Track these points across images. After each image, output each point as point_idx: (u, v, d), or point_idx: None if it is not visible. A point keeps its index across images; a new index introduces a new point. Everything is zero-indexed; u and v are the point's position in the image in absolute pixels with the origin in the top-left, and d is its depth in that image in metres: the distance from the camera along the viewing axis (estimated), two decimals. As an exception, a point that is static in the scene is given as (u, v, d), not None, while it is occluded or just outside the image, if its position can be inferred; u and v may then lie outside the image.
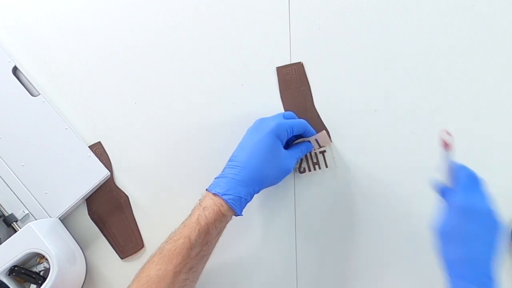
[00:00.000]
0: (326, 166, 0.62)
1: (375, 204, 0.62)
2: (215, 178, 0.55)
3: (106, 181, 0.63)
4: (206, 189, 0.54)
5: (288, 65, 0.63)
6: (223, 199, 0.52)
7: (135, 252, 0.63)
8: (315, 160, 0.62)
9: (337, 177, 0.62)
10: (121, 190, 0.64)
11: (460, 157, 0.61)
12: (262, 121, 0.57)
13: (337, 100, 0.63)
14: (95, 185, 0.62)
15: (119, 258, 0.63)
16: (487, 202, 0.49)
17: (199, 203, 0.54)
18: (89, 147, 0.63)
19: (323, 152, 0.62)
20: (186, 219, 0.53)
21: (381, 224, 0.62)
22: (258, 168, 0.54)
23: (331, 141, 0.62)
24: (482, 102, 0.62)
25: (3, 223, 0.60)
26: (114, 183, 0.64)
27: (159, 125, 0.64)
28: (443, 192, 0.52)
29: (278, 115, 0.60)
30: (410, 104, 0.63)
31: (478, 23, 0.63)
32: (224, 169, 0.55)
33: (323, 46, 0.64)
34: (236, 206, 0.53)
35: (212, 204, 0.52)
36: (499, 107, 0.62)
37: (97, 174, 0.62)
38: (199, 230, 0.51)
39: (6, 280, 0.55)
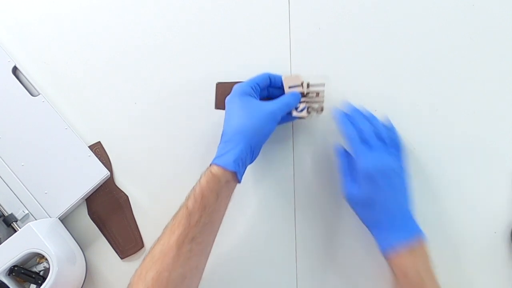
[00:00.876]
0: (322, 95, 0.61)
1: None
2: None
3: (106, 181, 0.63)
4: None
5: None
6: (213, 163, 0.53)
7: (135, 252, 0.63)
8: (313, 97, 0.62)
9: (336, 178, 0.63)
10: (121, 190, 0.64)
11: (460, 157, 0.62)
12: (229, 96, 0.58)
13: (337, 100, 0.63)
14: (95, 185, 0.62)
15: (119, 258, 0.63)
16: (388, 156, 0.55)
17: None
18: (89, 147, 0.63)
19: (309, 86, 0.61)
20: None
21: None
22: (237, 123, 0.54)
23: (299, 74, 0.61)
24: (482, 102, 0.62)
25: (3, 223, 0.60)
26: (114, 183, 0.64)
27: (159, 125, 0.64)
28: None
29: None
30: (410, 104, 0.63)
31: (478, 23, 0.63)
32: None
33: (323, 46, 0.64)
34: (227, 165, 0.52)
35: (205, 170, 0.53)
36: (499, 107, 0.62)
37: (97, 174, 0.62)
38: (194, 195, 0.52)
39: (6, 280, 0.55)
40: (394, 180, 0.54)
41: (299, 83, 0.60)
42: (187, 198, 0.52)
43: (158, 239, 0.52)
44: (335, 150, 0.59)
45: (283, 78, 0.59)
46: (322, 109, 0.61)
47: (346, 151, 0.58)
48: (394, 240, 0.53)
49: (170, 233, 0.51)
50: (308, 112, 0.60)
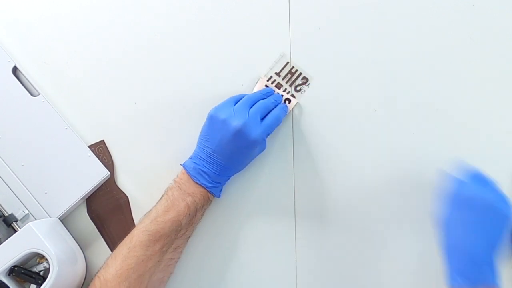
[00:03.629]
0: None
1: (374, 206, 0.62)
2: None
3: (107, 181, 0.63)
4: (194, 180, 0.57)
5: None
6: (207, 190, 0.57)
7: (135, 252, 0.63)
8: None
9: (336, 179, 0.63)
10: (122, 191, 0.64)
11: (460, 157, 0.62)
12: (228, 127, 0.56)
13: (337, 100, 0.63)
14: (94, 185, 0.61)
15: (119, 258, 0.63)
16: (491, 193, 0.49)
17: (178, 186, 0.57)
18: (92, 145, 0.63)
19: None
20: (167, 201, 0.56)
21: (381, 223, 0.62)
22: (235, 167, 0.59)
23: (259, 78, 0.62)
24: (482, 102, 0.63)
25: (3, 223, 0.60)
26: (115, 183, 0.64)
27: (160, 125, 0.64)
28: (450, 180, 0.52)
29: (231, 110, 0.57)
30: (410, 104, 0.63)
31: (478, 23, 0.63)
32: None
33: (323, 46, 0.64)
34: (217, 194, 0.59)
35: (198, 192, 0.57)
36: (499, 107, 0.62)
37: (97, 174, 0.62)
38: (189, 214, 0.55)
39: (6, 280, 0.55)
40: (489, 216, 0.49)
41: (263, 85, 0.61)
42: (174, 210, 0.55)
43: (137, 239, 0.54)
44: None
45: (256, 86, 0.62)
46: (307, 80, 0.61)
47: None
48: (465, 280, 0.49)
49: (155, 240, 0.54)
50: (297, 91, 0.61)
